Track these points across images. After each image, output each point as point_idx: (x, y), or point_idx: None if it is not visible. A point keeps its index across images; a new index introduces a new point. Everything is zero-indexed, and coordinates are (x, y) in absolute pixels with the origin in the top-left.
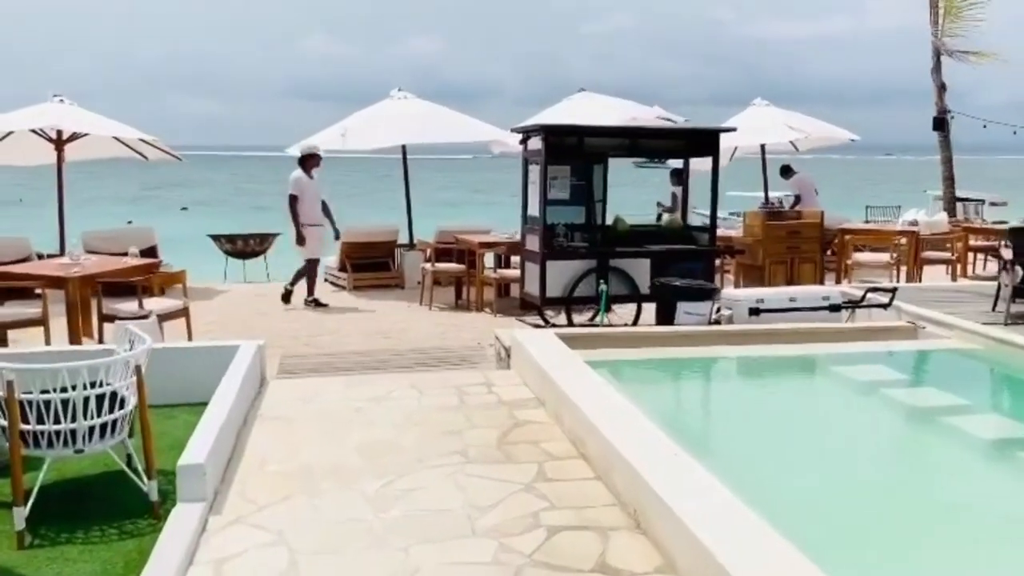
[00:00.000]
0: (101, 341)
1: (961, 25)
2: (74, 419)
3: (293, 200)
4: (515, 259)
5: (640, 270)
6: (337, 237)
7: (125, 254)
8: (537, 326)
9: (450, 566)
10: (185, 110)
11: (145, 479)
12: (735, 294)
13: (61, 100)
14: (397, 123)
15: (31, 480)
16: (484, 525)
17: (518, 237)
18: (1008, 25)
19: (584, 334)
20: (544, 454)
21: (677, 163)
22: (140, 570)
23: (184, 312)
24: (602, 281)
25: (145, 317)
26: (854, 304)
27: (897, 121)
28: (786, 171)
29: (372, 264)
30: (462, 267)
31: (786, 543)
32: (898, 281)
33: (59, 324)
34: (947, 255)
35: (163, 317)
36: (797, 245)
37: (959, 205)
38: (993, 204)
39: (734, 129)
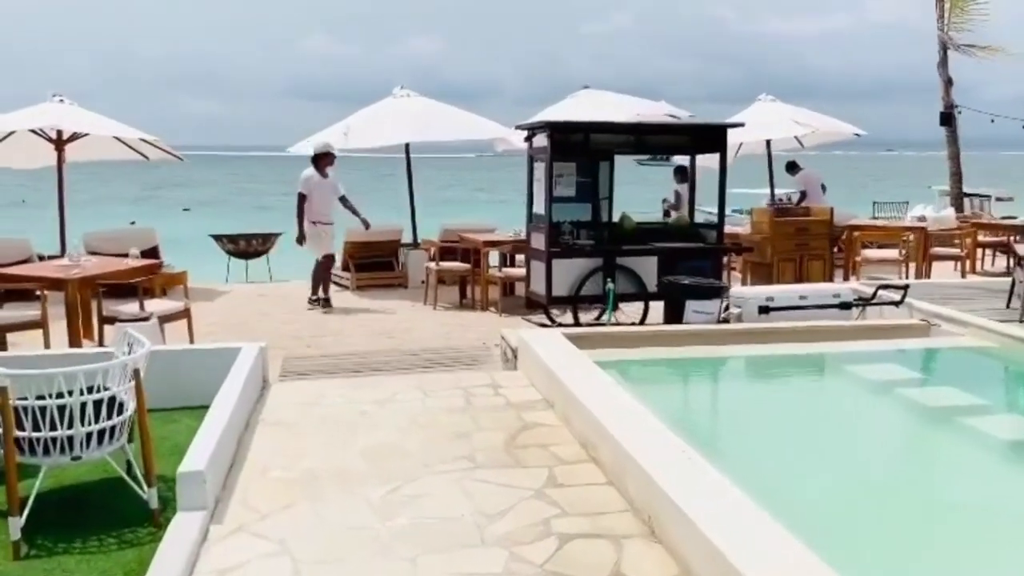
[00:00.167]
0: (102, 344)
1: (965, 19)
2: (71, 425)
3: (301, 199)
4: (520, 258)
5: (647, 268)
6: (367, 226)
7: (126, 255)
8: (543, 325)
9: None
10: (186, 110)
11: (145, 486)
12: (744, 292)
13: (61, 100)
14: (400, 121)
15: (27, 488)
16: (494, 533)
17: (523, 235)
18: (1015, 19)
19: (592, 333)
20: (554, 458)
21: (680, 160)
22: None
23: (185, 313)
24: (609, 280)
25: (146, 319)
26: (865, 302)
27: (897, 117)
28: (792, 167)
29: (375, 263)
30: (466, 266)
31: (806, 550)
32: (907, 277)
33: (59, 326)
34: (956, 251)
35: (164, 319)
36: (806, 242)
37: (966, 201)
38: (999, 199)
39: (742, 124)
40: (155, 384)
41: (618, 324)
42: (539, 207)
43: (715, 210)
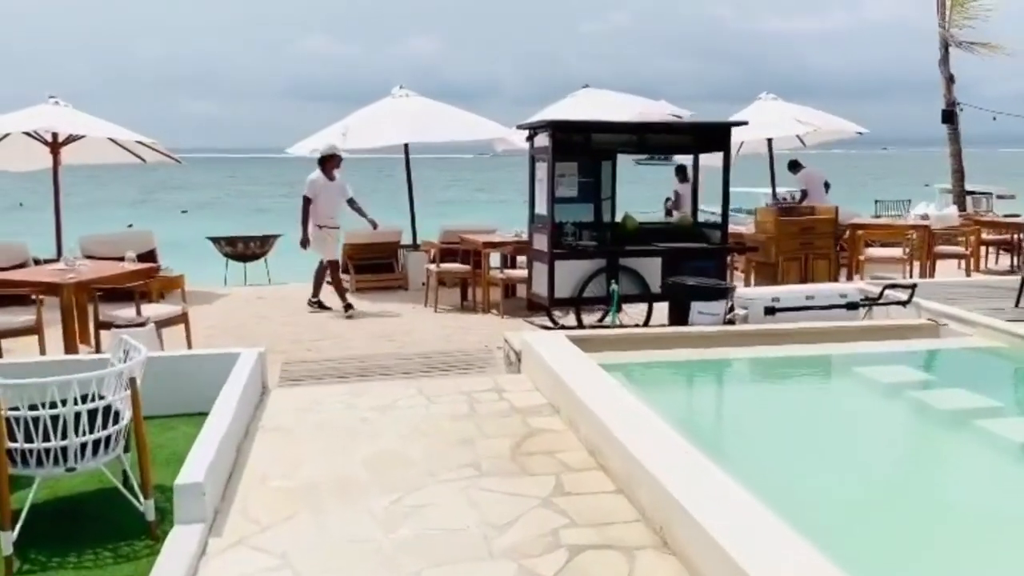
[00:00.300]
0: (98, 349)
1: (966, 15)
2: (65, 436)
3: (306, 202)
4: (521, 259)
5: (651, 269)
6: (375, 226)
7: (123, 259)
8: (546, 327)
9: None
10: (185, 111)
11: (141, 498)
12: (749, 293)
13: (56, 102)
14: (399, 121)
15: (20, 500)
16: (501, 545)
17: (524, 236)
18: (1016, 14)
19: (596, 336)
20: (561, 465)
21: (680, 160)
22: None
23: (183, 318)
24: (613, 281)
25: (143, 324)
26: (872, 302)
27: (892, 115)
28: (794, 166)
29: (375, 265)
30: (467, 268)
31: (827, 563)
32: (911, 276)
33: (55, 332)
34: (959, 249)
35: (161, 323)
36: (811, 241)
37: (968, 198)
38: (1000, 197)
39: (746, 123)
40: (152, 391)
41: (622, 326)
42: (541, 207)
43: (714, 209)
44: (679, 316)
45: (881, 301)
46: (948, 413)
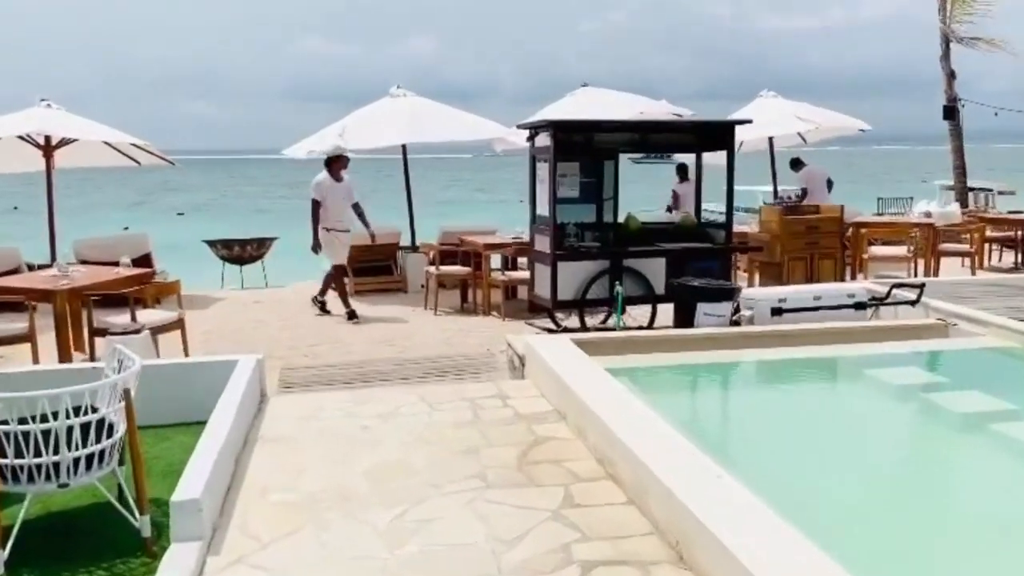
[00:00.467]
0: (92, 357)
1: (967, 11)
2: (57, 451)
3: (315, 205)
4: (522, 260)
5: (655, 270)
6: (373, 239)
7: (118, 263)
8: (548, 330)
9: None
10: (183, 112)
11: (137, 514)
12: (755, 293)
13: (48, 104)
14: (397, 122)
15: (11, 516)
16: (511, 561)
17: (525, 237)
18: (1014, 12)
19: (600, 339)
20: (569, 475)
21: (680, 159)
22: None
23: (179, 324)
24: (617, 283)
25: (138, 331)
26: (880, 301)
27: (890, 112)
28: (796, 164)
29: (373, 268)
30: (467, 269)
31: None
32: (916, 275)
33: (48, 339)
34: (963, 247)
35: (157, 330)
36: (816, 240)
37: (970, 195)
38: (1000, 193)
39: (750, 121)
40: (148, 400)
41: (626, 328)
42: (542, 208)
43: (713, 207)
44: (684, 318)
45: (889, 301)
46: (963, 416)
